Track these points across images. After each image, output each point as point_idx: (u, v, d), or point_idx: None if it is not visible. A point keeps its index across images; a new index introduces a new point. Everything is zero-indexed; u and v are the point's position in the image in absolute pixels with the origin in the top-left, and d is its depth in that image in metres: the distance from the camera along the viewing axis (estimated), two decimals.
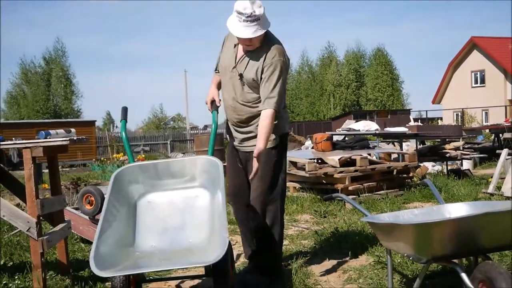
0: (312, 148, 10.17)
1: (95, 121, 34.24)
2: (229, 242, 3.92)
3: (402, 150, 11.33)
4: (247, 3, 3.96)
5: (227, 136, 4.72)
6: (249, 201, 4.45)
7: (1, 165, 4.84)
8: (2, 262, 5.25)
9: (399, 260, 4.55)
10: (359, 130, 12.28)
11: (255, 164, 4.03)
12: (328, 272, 4.67)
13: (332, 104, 54.21)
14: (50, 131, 4.52)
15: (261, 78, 4.16)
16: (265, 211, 4.35)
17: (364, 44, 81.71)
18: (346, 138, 12.02)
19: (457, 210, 3.78)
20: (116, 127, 49.13)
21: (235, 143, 4.51)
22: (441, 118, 39.16)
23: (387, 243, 3.57)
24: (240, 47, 4.27)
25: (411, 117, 23.26)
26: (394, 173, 9.12)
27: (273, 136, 4.29)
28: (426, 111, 41.22)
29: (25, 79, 50.62)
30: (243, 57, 4.25)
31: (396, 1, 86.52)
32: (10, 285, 4.37)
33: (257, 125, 4.24)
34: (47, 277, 4.36)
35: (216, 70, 4.66)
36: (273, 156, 4.33)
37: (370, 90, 55.38)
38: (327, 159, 8.70)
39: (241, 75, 4.22)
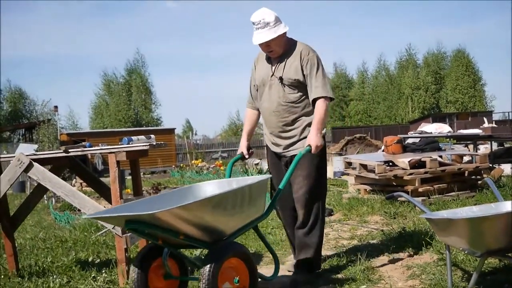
0: (383, 151, 10.26)
1: (175, 128, 35.61)
2: (229, 245, 3.71)
3: (476, 152, 11.21)
4: (257, 12, 4.43)
5: (266, 145, 4.98)
6: (294, 204, 4.68)
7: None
8: (90, 259, 5.73)
9: (462, 257, 4.66)
10: (431, 133, 12.23)
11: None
12: (392, 268, 4.84)
13: (410, 107, 53.21)
14: (132, 137, 4.90)
15: (303, 76, 4.51)
16: (310, 209, 4.57)
17: (446, 44, 79.12)
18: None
19: None
20: (196, 134, 50.23)
21: (279, 150, 4.74)
22: None
23: (444, 238, 3.73)
24: (273, 59, 4.63)
25: (485, 119, 22.78)
26: (466, 174, 9.09)
27: None
28: (509, 112, 39.93)
29: (108, 90, 52.40)
30: (278, 63, 4.60)
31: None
32: (98, 277, 4.79)
33: (302, 128, 4.58)
34: None
35: (249, 103, 5.00)
36: (316, 155, 4.53)
37: (450, 92, 54.05)
38: (397, 161, 8.80)
39: (281, 78, 4.55)
